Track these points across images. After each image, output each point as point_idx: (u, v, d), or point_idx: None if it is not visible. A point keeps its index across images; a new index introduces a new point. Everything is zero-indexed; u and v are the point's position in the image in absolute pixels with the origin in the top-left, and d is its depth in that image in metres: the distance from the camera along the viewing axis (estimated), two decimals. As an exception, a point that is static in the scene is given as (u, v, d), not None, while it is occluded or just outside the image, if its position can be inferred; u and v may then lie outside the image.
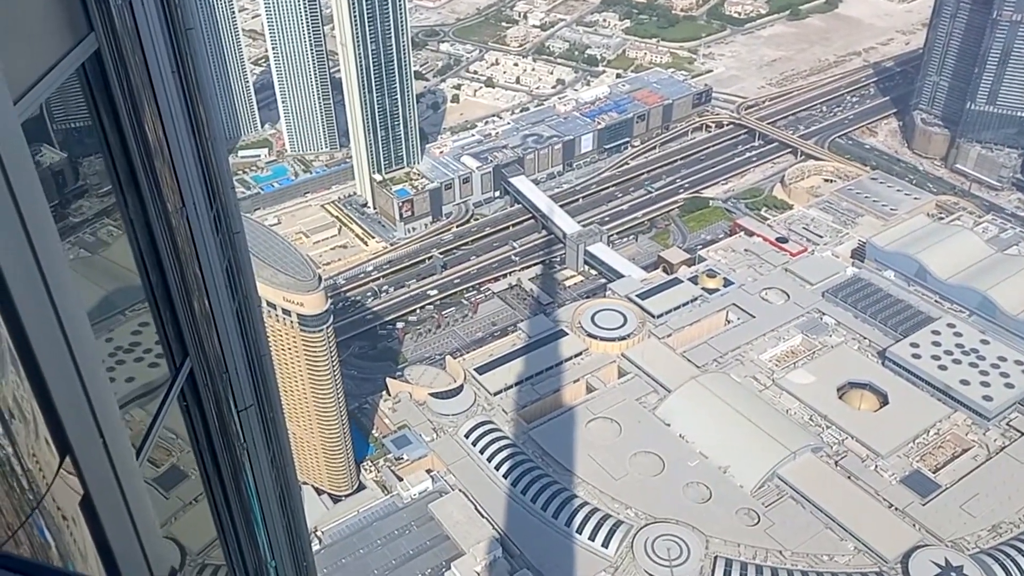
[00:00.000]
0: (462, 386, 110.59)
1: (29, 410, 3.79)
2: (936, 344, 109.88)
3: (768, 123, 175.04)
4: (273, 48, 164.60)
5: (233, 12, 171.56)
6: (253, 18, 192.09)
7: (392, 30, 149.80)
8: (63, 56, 4.56)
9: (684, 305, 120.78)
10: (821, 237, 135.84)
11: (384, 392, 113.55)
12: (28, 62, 4.27)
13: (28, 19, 4.22)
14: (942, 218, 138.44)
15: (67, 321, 4.04)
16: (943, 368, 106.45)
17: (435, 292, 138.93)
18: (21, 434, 3.70)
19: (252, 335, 10.15)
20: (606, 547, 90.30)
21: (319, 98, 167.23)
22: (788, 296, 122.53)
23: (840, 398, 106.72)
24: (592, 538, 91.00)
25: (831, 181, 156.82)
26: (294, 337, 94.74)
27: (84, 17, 4.88)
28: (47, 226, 4.00)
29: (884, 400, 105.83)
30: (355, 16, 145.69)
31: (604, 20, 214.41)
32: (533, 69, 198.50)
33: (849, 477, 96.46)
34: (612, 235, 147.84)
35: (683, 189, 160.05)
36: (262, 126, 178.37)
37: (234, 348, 8.51)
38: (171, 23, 8.31)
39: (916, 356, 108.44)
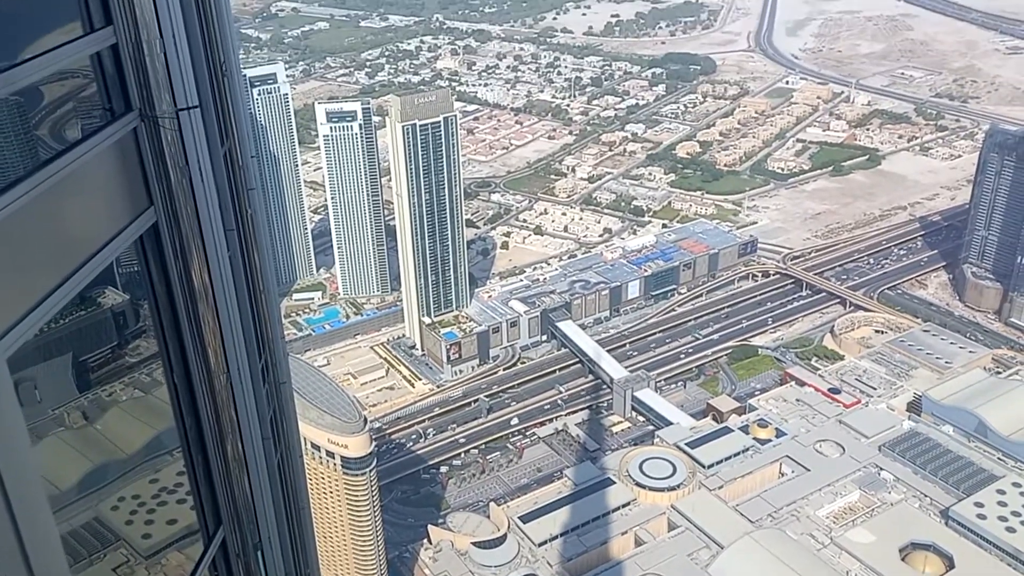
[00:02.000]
0: (506, 535, 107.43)
1: None
2: (1002, 504, 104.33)
3: (815, 274, 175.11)
4: (332, 198, 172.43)
5: (296, 165, 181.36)
6: (315, 171, 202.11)
7: (445, 182, 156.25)
8: (120, 231, 5.01)
9: (736, 455, 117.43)
10: (875, 389, 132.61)
11: (425, 540, 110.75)
12: (84, 238, 4.65)
13: (93, 196, 4.69)
14: (999, 372, 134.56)
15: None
16: (1011, 530, 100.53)
17: (480, 436, 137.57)
18: None
19: (292, 487, 10.24)
20: None
21: (373, 244, 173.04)
22: (844, 449, 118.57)
23: (903, 560, 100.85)
24: None
25: (882, 332, 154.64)
26: (336, 480, 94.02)
27: (144, 191, 5.42)
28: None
29: (950, 563, 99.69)
30: (411, 169, 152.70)
31: (650, 174, 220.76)
32: (581, 218, 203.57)
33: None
34: (660, 381, 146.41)
35: (731, 337, 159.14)
36: (317, 270, 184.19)
37: (269, 518, 8.44)
38: (233, 183, 8.94)
39: (981, 516, 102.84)
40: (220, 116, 8.33)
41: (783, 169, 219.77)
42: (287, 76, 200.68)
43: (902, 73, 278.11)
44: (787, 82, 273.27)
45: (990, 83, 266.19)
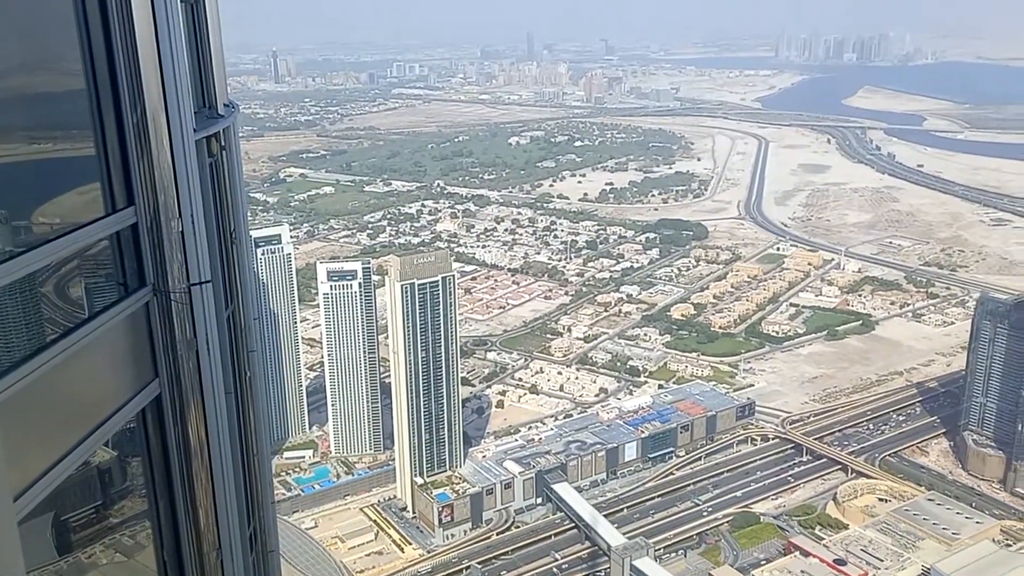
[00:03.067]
0: None
1: None
2: None
3: (814, 439, 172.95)
4: (329, 355, 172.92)
5: (295, 322, 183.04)
6: (313, 328, 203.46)
7: (442, 340, 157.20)
8: (124, 404, 5.06)
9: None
10: (882, 561, 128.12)
11: None
12: (90, 411, 4.70)
13: (101, 369, 4.76)
14: (1009, 545, 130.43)
15: None
16: None
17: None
18: None
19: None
20: None
21: (368, 402, 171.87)
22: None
23: None
24: None
25: (886, 501, 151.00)
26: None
27: (151, 363, 5.51)
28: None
29: None
30: (408, 327, 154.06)
31: (645, 334, 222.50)
32: (576, 378, 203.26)
33: None
34: (659, 549, 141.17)
35: (731, 503, 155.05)
36: (310, 428, 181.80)
37: None
38: (234, 345, 9.06)
39: None
40: (226, 281, 8.59)
41: (778, 332, 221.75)
42: (291, 237, 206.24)
43: (890, 242, 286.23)
44: (778, 248, 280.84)
45: (977, 253, 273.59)
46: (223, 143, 8.29)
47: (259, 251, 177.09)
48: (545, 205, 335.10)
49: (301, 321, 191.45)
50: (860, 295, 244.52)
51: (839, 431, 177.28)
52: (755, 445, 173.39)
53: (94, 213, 4.92)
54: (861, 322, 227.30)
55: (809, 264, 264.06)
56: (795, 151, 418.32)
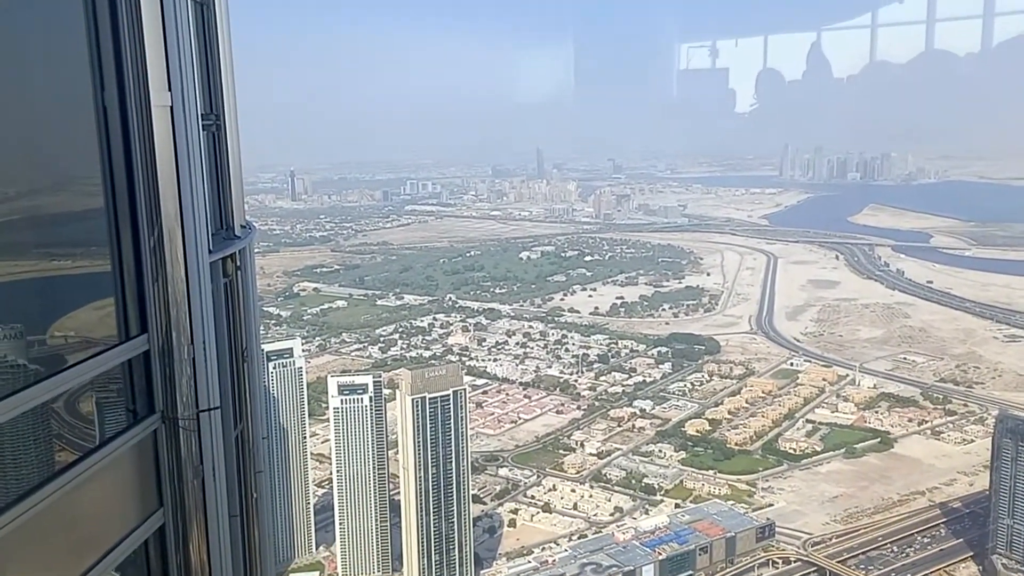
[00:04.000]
0: None
1: None
2: None
3: (838, 561, 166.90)
4: (338, 471, 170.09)
5: (305, 438, 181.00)
6: (323, 443, 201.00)
7: (453, 455, 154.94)
8: (126, 536, 4.88)
9: None
10: None
11: None
12: (91, 544, 4.53)
13: (104, 500, 4.62)
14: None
15: None
16: None
17: None
18: None
19: None
20: None
21: (376, 520, 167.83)
22: None
23: None
24: None
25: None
26: None
27: (156, 493, 5.35)
28: None
29: None
30: (419, 442, 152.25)
31: (660, 451, 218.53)
32: (591, 496, 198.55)
33: None
34: None
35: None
36: (317, 548, 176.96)
37: None
38: (241, 466, 8.87)
39: None
40: (236, 401, 8.47)
41: (795, 450, 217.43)
42: (303, 350, 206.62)
43: (904, 358, 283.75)
44: (791, 364, 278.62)
45: (993, 369, 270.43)
46: (239, 263, 8.35)
47: (271, 365, 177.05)
48: (556, 319, 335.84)
49: (311, 436, 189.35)
50: (877, 412, 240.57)
51: (863, 553, 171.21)
52: (777, 568, 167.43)
53: (108, 336, 4.89)
54: (879, 439, 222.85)
55: (824, 380, 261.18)
56: (804, 267, 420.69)
